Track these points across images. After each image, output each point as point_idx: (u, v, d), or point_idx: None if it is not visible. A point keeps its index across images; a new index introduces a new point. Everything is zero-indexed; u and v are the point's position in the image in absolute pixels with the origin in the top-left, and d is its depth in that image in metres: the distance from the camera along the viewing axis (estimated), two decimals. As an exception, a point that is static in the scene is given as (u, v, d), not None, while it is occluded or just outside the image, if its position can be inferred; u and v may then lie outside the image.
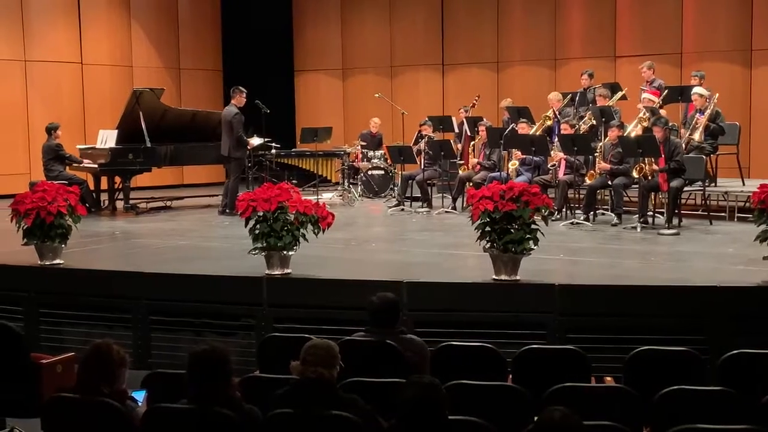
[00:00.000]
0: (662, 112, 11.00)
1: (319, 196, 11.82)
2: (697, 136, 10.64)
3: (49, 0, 14.63)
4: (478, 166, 11.64)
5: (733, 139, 11.44)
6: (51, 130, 11.81)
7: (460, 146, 12.69)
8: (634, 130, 10.80)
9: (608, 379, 5.10)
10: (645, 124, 10.83)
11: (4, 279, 7.72)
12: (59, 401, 4.14)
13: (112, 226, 10.94)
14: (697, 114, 10.81)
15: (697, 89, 10.86)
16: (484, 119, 12.47)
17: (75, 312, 7.34)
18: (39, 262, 7.62)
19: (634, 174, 9.64)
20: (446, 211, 11.60)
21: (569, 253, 8.31)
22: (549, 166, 11.00)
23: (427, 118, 12.97)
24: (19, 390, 5.20)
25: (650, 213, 9.81)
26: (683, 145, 10.10)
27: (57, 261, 7.65)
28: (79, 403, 4.03)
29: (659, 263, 7.83)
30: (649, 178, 9.52)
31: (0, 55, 14.13)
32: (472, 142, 12.41)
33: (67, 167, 11.93)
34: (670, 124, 10.25)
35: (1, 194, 12.33)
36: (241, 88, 11.68)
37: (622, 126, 10.68)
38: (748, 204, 10.44)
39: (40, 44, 14.52)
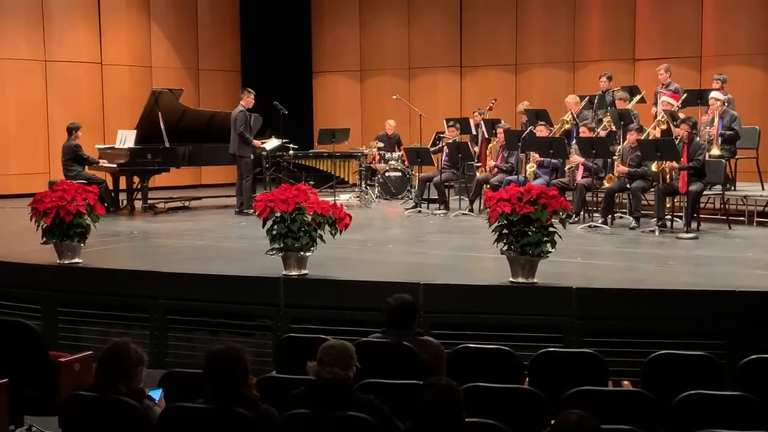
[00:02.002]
0: (680, 115, 10.93)
1: (337, 198, 11.83)
2: (715, 151, 10.56)
3: (70, 1, 14.74)
4: (496, 169, 11.62)
5: (753, 143, 11.35)
6: (72, 130, 11.85)
7: (476, 149, 12.67)
8: (652, 133, 10.73)
9: (626, 382, 5.08)
10: (663, 127, 10.77)
11: (23, 277, 7.77)
12: (77, 399, 4.15)
13: (131, 226, 10.98)
14: (708, 127, 10.74)
15: (714, 93, 10.78)
16: (502, 122, 12.45)
17: (93, 311, 7.38)
18: (58, 261, 7.66)
19: (654, 168, 9.57)
20: (463, 213, 11.58)
21: (587, 256, 8.27)
22: (567, 168, 10.96)
23: (453, 121, 12.97)
24: (38, 388, 5.22)
25: (668, 217, 9.76)
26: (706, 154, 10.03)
27: (76, 260, 7.69)
28: (97, 402, 4.05)
29: (677, 267, 7.78)
30: (668, 175, 9.47)
31: (21, 55, 14.25)
32: (490, 145, 12.40)
33: (86, 167, 12.00)
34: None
35: (21, 193, 12.45)
36: (249, 89, 11.73)
37: (640, 129, 10.62)
38: (767, 208, 10.42)
39: (60, 44, 14.62)
